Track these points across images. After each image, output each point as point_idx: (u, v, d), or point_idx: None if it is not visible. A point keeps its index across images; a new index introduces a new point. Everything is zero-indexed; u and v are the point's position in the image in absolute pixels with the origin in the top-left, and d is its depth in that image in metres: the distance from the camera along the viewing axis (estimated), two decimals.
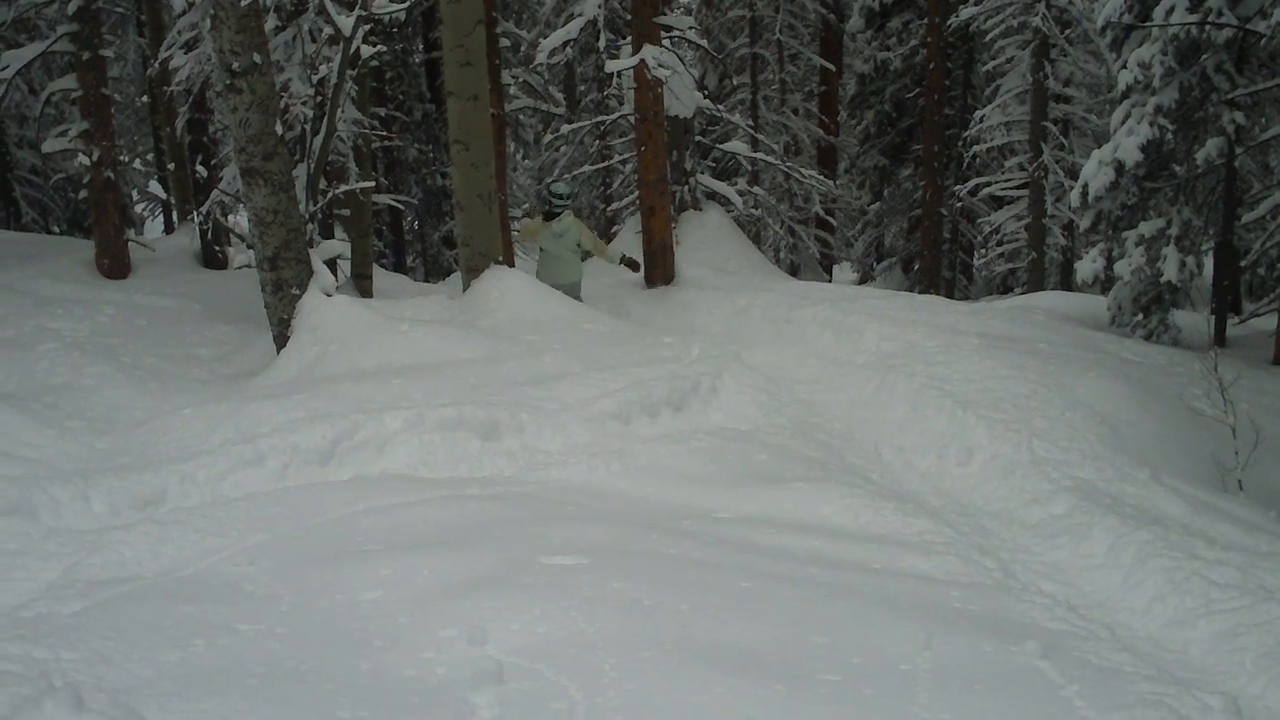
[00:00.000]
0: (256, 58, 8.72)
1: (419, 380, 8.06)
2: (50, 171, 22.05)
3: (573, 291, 11.48)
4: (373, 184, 14.29)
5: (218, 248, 14.53)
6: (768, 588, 4.97)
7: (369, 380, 8.02)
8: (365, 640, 4.25)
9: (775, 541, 5.87)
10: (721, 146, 19.26)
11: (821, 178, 20.34)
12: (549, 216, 11.45)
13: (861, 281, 26.76)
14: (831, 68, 23.51)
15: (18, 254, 12.99)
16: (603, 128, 21.29)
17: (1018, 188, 20.67)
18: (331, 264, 11.00)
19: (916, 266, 22.75)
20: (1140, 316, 12.45)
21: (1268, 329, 12.75)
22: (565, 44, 14.74)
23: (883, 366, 9.19)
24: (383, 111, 21.73)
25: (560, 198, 11.46)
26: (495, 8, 16.02)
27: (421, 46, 23.61)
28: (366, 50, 11.31)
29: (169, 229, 23.15)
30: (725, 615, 4.58)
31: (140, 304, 11.34)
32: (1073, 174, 18.67)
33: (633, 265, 12.35)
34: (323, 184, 10.82)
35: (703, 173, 17.26)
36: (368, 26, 10.63)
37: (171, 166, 16.33)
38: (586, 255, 11.69)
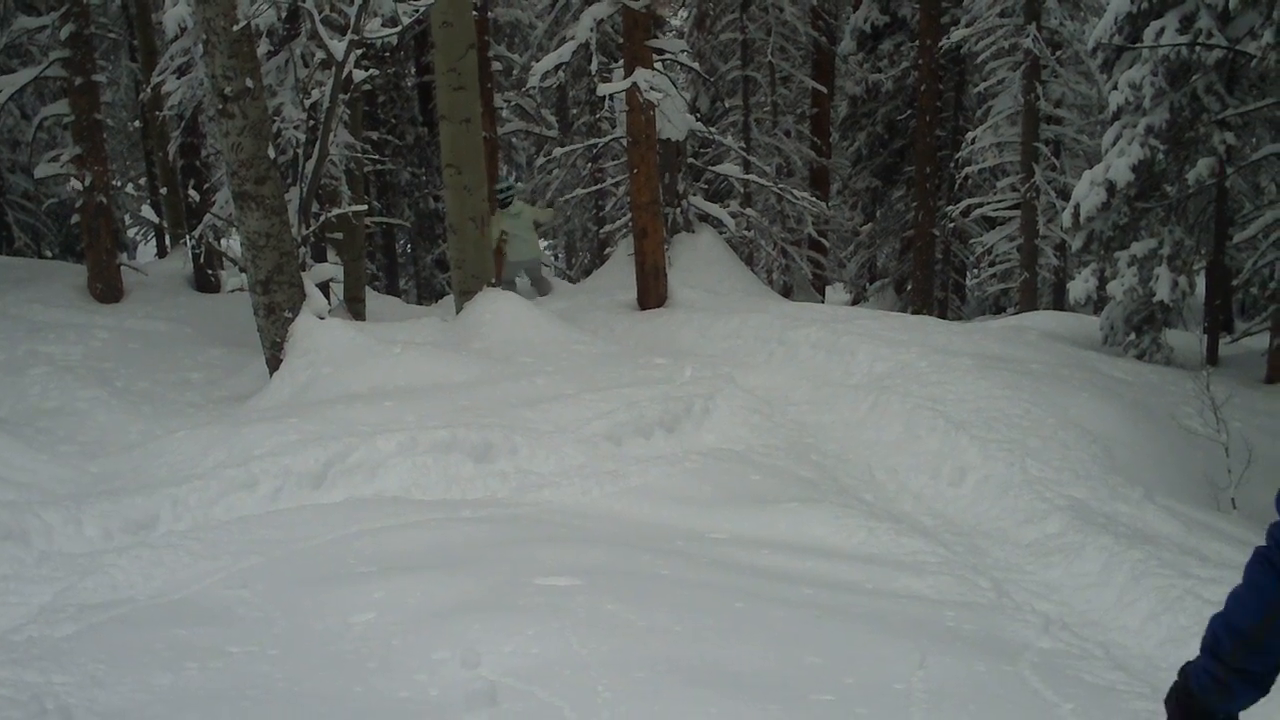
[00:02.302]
0: (249, 82, 8.76)
1: (412, 403, 8.06)
2: (43, 196, 22.07)
3: (535, 266, 14.28)
4: (365, 207, 14.31)
5: (210, 272, 14.53)
6: (761, 608, 4.96)
7: (362, 403, 8.02)
8: (358, 663, 4.24)
9: (769, 562, 5.86)
10: (714, 169, 19.30)
11: (814, 199, 20.37)
12: (503, 205, 13.49)
13: (854, 302, 26.75)
14: (823, 90, 23.57)
15: (10, 279, 13.00)
16: (595, 151, 21.36)
17: (1010, 208, 20.69)
18: (324, 287, 11.03)
19: (909, 287, 22.75)
20: (1133, 336, 12.47)
21: (1260, 348, 12.78)
22: (557, 67, 14.76)
23: (876, 387, 9.18)
24: (375, 135, 21.82)
25: (504, 190, 13.59)
26: (487, 32, 16.10)
27: (414, 70, 23.69)
28: (359, 74, 11.34)
29: (161, 253, 23.11)
30: (718, 636, 4.57)
31: (133, 328, 11.35)
32: (1064, 194, 18.69)
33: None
34: (315, 207, 10.83)
35: (695, 195, 17.27)
36: (360, 51, 10.67)
37: (164, 191, 16.35)
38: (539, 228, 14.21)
